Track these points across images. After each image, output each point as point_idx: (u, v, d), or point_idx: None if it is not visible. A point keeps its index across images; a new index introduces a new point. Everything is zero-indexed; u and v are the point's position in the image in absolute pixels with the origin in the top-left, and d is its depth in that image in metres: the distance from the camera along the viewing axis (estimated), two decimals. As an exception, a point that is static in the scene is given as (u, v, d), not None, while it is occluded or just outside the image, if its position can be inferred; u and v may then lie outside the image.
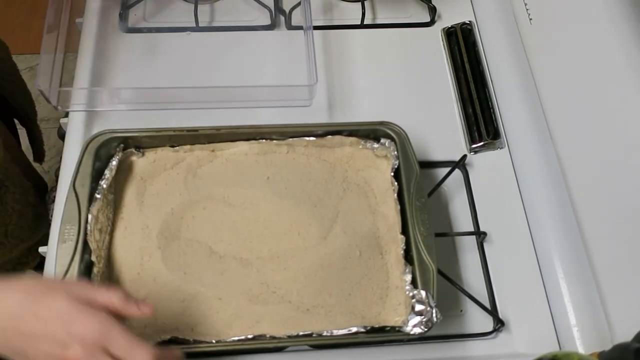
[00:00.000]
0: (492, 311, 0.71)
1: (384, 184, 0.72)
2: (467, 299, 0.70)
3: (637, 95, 0.61)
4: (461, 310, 0.72)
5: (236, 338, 0.61)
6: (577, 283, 0.70)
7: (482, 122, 0.82)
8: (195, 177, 0.70)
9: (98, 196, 0.65)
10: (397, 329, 0.62)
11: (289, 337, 0.61)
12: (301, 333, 0.61)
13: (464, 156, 0.80)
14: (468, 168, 0.81)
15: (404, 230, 0.68)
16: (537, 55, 0.81)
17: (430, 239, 0.66)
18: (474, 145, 0.81)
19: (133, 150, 0.70)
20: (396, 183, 0.69)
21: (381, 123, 0.73)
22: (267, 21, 0.89)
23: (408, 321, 0.62)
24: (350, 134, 0.73)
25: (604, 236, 0.67)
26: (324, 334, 0.61)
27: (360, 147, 0.73)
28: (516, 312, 0.71)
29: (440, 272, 0.71)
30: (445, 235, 0.75)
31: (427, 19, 0.92)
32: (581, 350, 0.67)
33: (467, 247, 0.76)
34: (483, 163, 0.81)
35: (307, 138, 0.72)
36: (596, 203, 0.68)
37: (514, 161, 0.81)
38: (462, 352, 0.69)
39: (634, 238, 0.61)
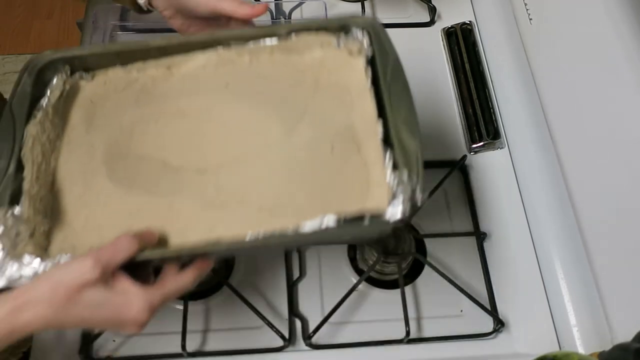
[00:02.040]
0: (492, 311, 0.71)
1: (359, 82, 0.62)
2: (467, 299, 0.70)
3: (637, 95, 0.61)
4: (461, 311, 0.72)
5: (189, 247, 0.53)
6: (577, 283, 0.70)
7: (482, 122, 0.82)
8: (149, 95, 0.63)
9: (38, 113, 0.58)
10: (374, 218, 0.52)
11: (249, 240, 0.52)
12: (262, 233, 0.52)
13: (464, 156, 0.80)
14: (468, 168, 0.81)
15: (383, 119, 0.58)
16: (537, 55, 0.81)
17: (413, 119, 0.55)
18: (474, 145, 0.81)
19: (82, 73, 0.63)
20: (370, 71, 0.60)
21: (351, 16, 0.63)
22: (267, 22, 0.89)
23: (387, 209, 0.52)
24: (318, 29, 0.63)
25: (604, 236, 0.67)
26: (289, 232, 0.52)
27: (332, 47, 0.63)
28: (516, 312, 0.72)
29: (440, 272, 0.71)
30: (445, 235, 0.75)
31: (427, 19, 0.92)
32: (581, 350, 0.67)
33: (467, 247, 0.76)
34: (483, 163, 0.81)
35: (270, 41, 0.63)
36: (596, 203, 0.68)
37: (514, 161, 0.81)
38: (462, 352, 0.69)
39: (634, 238, 0.61)
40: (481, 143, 0.81)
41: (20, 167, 0.56)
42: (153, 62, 0.64)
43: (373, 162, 0.57)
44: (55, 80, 0.60)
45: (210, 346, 0.69)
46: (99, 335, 0.67)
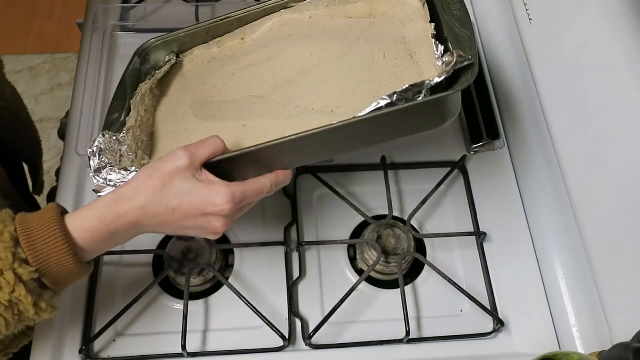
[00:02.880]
0: (492, 311, 0.71)
1: (412, 10, 0.69)
2: (467, 299, 0.70)
3: (637, 94, 0.61)
4: (461, 310, 0.72)
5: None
6: (577, 283, 0.70)
7: (482, 122, 0.82)
8: (228, 60, 0.73)
9: (146, 82, 0.71)
10: (423, 84, 0.56)
11: (314, 133, 0.56)
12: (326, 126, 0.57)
13: (464, 156, 0.80)
14: (468, 168, 0.81)
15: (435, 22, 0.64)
16: (537, 55, 0.80)
17: (465, 16, 0.62)
18: (473, 146, 0.81)
19: (174, 56, 0.75)
20: None
21: None
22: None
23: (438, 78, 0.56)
24: None
25: (603, 236, 0.67)
26: (350, 120, 0.56)
27: None
28: (516, 312, 0.72)
29: (440, 272, 0.71)
30: (445, 235, 0.75)
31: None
32: (581, 350, 0.67)
33: (467, 247, 0.76)
34: (483, 163, 0.81)
35: None
36: (596, 203, 0.68)
37: (514, 161, 0.81)
38: (462, 352, 0.69)
39: (633, 238, 0.62)
40: (481, 143, 0.81)
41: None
42: (229, 36, 0.74)
43: (424, 60, 0.64)
44: (158, 60, 0.74)
45: (210, 346, 0.69)
46: (99, 335, 0.67)
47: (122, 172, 0.61)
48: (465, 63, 0.57)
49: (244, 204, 0.56)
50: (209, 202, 0.53)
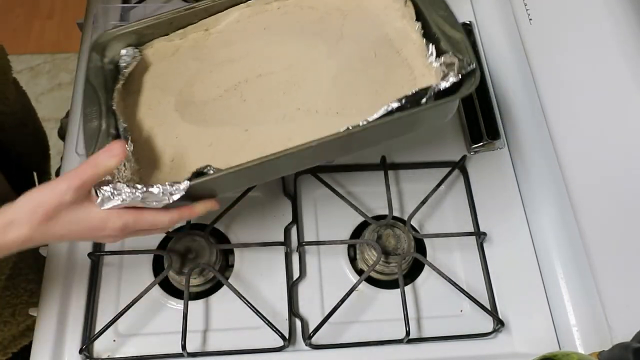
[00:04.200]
0: (492, 311, 0.71)
1: (383, 4, 0.70)
2: (467, 299, 0.70)
3: (637, 94, 0.61)
4: (461, 310, 0.72)
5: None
6: (577, 283, 0.70)
7: (482, 122, 0.82)
8: (197, 53, 0.71)
9: (118, 81, 0.66)
10: (429, 89, 0.57)
11: (321, 139, 0.56)
12: (335, 131, 0.56)
13: (464, 156, 0.80)
14: (468, 168, 0.81)
15: (421, 21, 0.66)
16: (537, 55, 0.80)
17: (451, 16, 0.63)
18: (473, 146, 0.81)
19: (133, 49, 0.70)
20: None
21: None
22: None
23: (441, 83, 0.58)
24: None
25: (603, 236, 0.67)
26: (360, 124, 0.56)
27: None
28: (516, 312, 0.72)
29: (440, 272, 0.71)
30: (445, 235, 0.75)
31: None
32: (581, 350, 0.67)
33: (467, 247, 0.76)
34: (483, 163, 0.81)
35: None
36: (596, 203, 0.68)
37: (514, 161, 0.81)
38: (462, 352, 0.69)
39: (634, 238, 0.62)
40: (481, 143, 0.81)
41: (109, 125, 0.62)
42: (192, 27, 0.71)
43: (412, 58, 0.65)
44: (115, 54, 0.69)
45: (210, 346, 0.69)
46: (99, 335, 0.67)
47: (127, 187, 0.55)
48: (470, 68, 0.58)
49: (137, 232, 0.56)
50: (98, 229, 0.54)
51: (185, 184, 0.55)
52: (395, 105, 0.56)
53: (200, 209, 0.58)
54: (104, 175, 0.53)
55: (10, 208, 0.52)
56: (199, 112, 0.66)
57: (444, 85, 0.58)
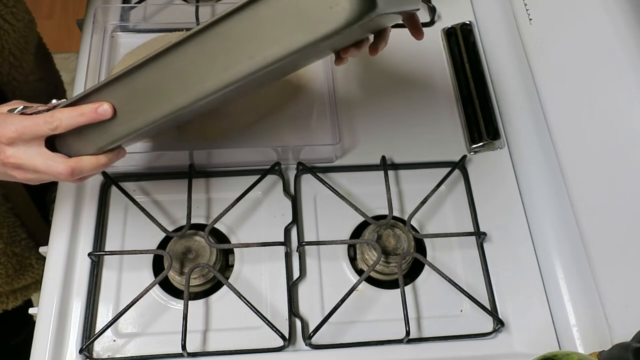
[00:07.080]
0: (492, 311, 0.71)
1: None
2: (467, 299, 0.70)
3: (637, 94, 0.61)
4: (461, 310, 0.72)
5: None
6: (577, 283, 0.70)
7: (482, 122, 0.82)
8: None
9: None
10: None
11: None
12: None
13: (464, 156, 0.80)
14: (468, 168, 0.81)
15: None
16: (537, 55, 0.81)
17: None
18: (473, 146, 0.81)
19: None
20: None
21: None
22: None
23: None
24: None
25: (603, 236, 0.67)
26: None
27: None
28: (516, 312, 0.72)
29: (440, 272, 0.71)
30: (445, 235, 0.75)
31: (427, 19, 0.92)
32: (581, 350, 0.67)
33: (467, 247, 0.76)
34: (483, 163, 0.81)
35: None
36: (596, 203, 0.68)
37: (514, 161, 0.81)
38: (462, 352, 0.69)
39: (633, 238, 0.62)
40: (481, 143, 0.81)
41: None
42: None
43: None
44: None
45: (210, 346, 0.69)
46: (99, 335, 0.67)
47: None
48: None
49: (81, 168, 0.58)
50: (51, 168, 0.57)
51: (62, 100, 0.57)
52: None
53: (102, 160, 0.59)
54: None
55: None
56: None
57: None
